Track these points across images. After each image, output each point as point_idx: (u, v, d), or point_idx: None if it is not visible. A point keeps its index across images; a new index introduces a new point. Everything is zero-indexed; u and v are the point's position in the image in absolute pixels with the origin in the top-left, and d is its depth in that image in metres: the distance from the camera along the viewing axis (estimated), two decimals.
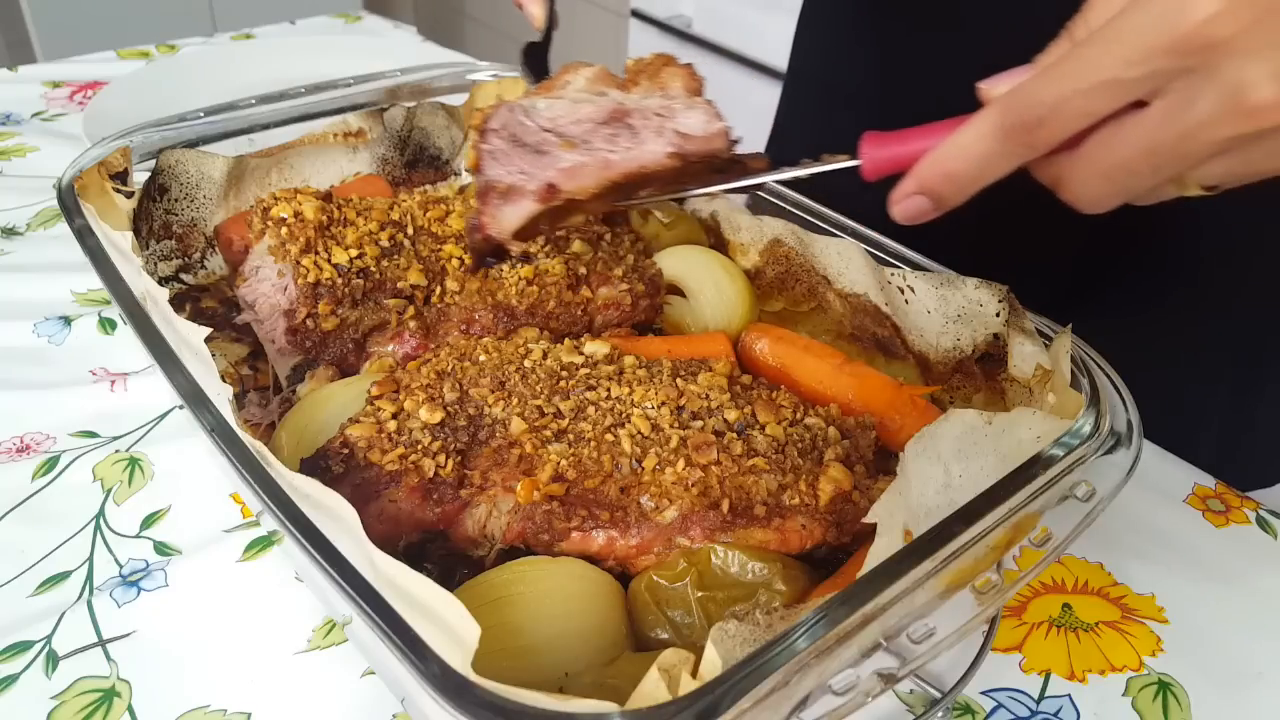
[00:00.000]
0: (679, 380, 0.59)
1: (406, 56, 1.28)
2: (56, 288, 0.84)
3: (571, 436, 0.55)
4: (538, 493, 0.51)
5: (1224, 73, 0.37)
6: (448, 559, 0.54)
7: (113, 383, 0.75)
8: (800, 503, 0.52)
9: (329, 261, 0.66)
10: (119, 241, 0.60)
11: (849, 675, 0.40)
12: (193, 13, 2.54)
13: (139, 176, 0.74)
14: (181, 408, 0.51)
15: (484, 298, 0.67)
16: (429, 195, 0.76)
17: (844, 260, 0.69)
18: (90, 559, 0.60)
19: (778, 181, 0.62)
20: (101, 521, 0.63)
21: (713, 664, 0.36)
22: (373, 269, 0.67)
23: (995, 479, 0.47)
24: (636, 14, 2.30)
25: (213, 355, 0.51)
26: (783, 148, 1.02)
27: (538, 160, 0.56)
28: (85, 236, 0.62)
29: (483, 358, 0.60)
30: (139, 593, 0.58)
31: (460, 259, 0.69)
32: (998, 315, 0.61)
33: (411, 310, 0.66)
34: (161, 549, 0.61)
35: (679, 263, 0.74)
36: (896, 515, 0.44)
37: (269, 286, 0.67)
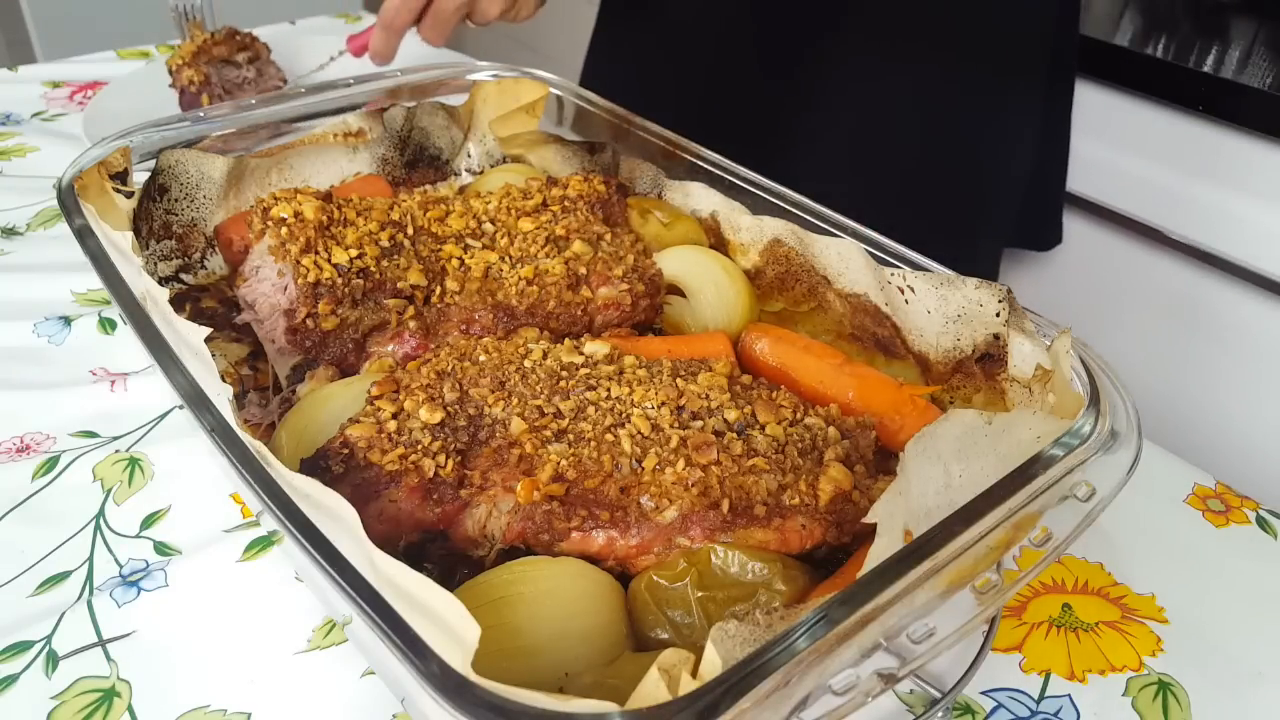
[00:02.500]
0: (679, 380, 0.59)
1: (406, 56, 1.27)
2: (56, 288, 0.84)
3: (571, 436, 0.55)
4: (538, 493, 0.51)
5: None
6: (448, 559, 0.54)
7: (113, 383, 0.75)
8: (800, 503, 0.52)
9: (329, 261, 0.66)
10: (119, 241, 0.60)
11: (849, 675, 0.40)
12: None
13: (139, 176, 0.74)
14: (181, 408, 0.51)
15: (484, 298, 0.67)
16: (429, 195, 0.76)
17: (844, 260, 0.69)
18: (90, 559, 0.60)
19: None
20: (101, 521, 0.63)
21: (713, 664, 0.36)
22: (373, 269, 0.67)
23: (995, 479, 0.47)
24: None
25: (213, 355, 0.51)
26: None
27: None
28: (85, 236, 0.62)
29: (483, 358, 0.60)
30: (139, 593, 0.58)
31: (460, 259, 0.69)
32: (998, 315, 0.61)
33: (411, 310, 0.66)
34: (161, 549, 0.61)
35: (679, 263, 0.74)
36: (896, 515, 0.44)
37: (269, 286, 0.67)
